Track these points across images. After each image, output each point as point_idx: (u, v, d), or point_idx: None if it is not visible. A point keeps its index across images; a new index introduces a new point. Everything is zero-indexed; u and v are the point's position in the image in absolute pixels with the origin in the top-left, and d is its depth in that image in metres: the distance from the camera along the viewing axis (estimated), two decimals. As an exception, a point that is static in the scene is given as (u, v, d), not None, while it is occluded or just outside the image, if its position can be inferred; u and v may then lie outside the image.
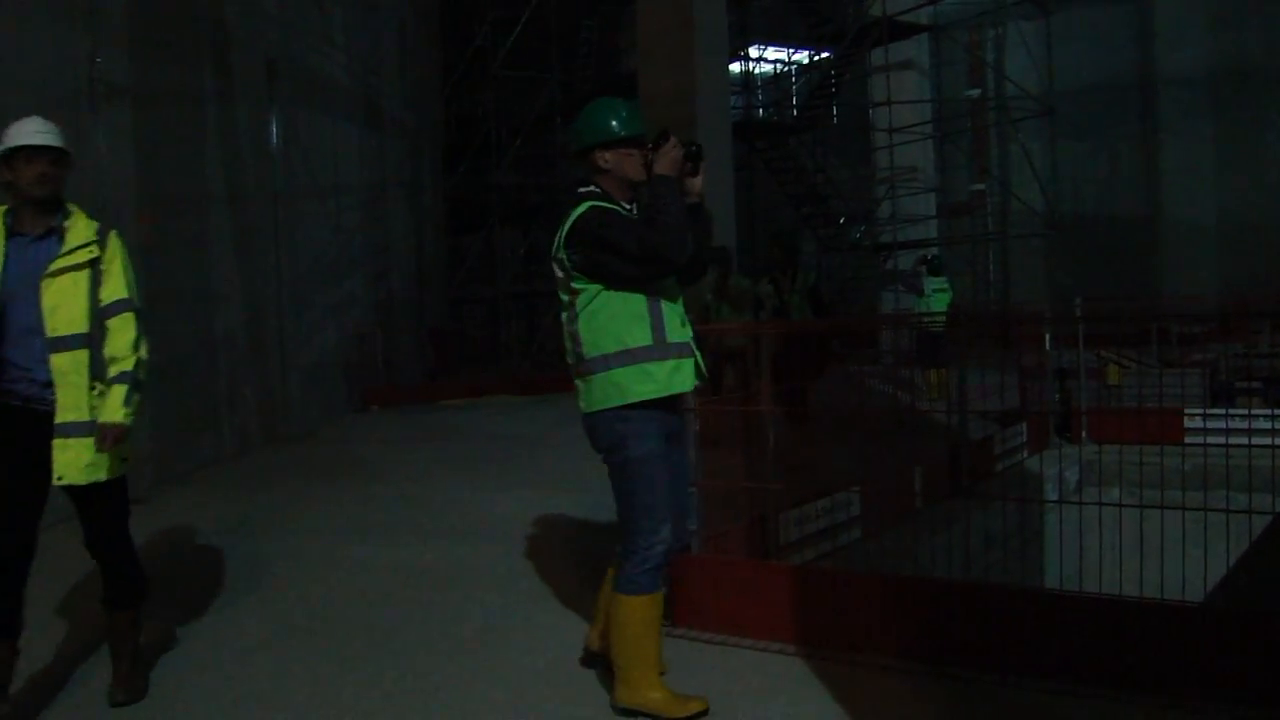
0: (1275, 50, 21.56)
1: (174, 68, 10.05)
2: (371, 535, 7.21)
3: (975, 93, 23.62)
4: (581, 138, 3.95)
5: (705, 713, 3.81)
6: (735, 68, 22.99)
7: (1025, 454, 10.10)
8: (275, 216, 12.32)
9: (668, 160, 3.79)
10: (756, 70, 26.70)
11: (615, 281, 3.76)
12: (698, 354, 3.95)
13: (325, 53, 14.65)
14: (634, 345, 3.77)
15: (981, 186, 23.59)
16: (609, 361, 3.77)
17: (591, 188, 3.91)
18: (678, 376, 3.84)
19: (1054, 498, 8.98)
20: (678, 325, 3.88)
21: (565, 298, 3.90)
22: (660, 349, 3.80)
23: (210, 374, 10.67)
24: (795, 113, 24.33)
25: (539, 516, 7.32)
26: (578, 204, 3.86)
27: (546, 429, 11.92)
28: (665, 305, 3.84)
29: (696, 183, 3.92)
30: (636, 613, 3.79)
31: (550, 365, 18.62)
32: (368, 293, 16.17)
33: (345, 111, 15.32)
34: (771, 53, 27.22)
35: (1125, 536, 5.11)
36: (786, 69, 27.31)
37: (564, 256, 3.82)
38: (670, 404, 3.89)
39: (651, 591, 3.81)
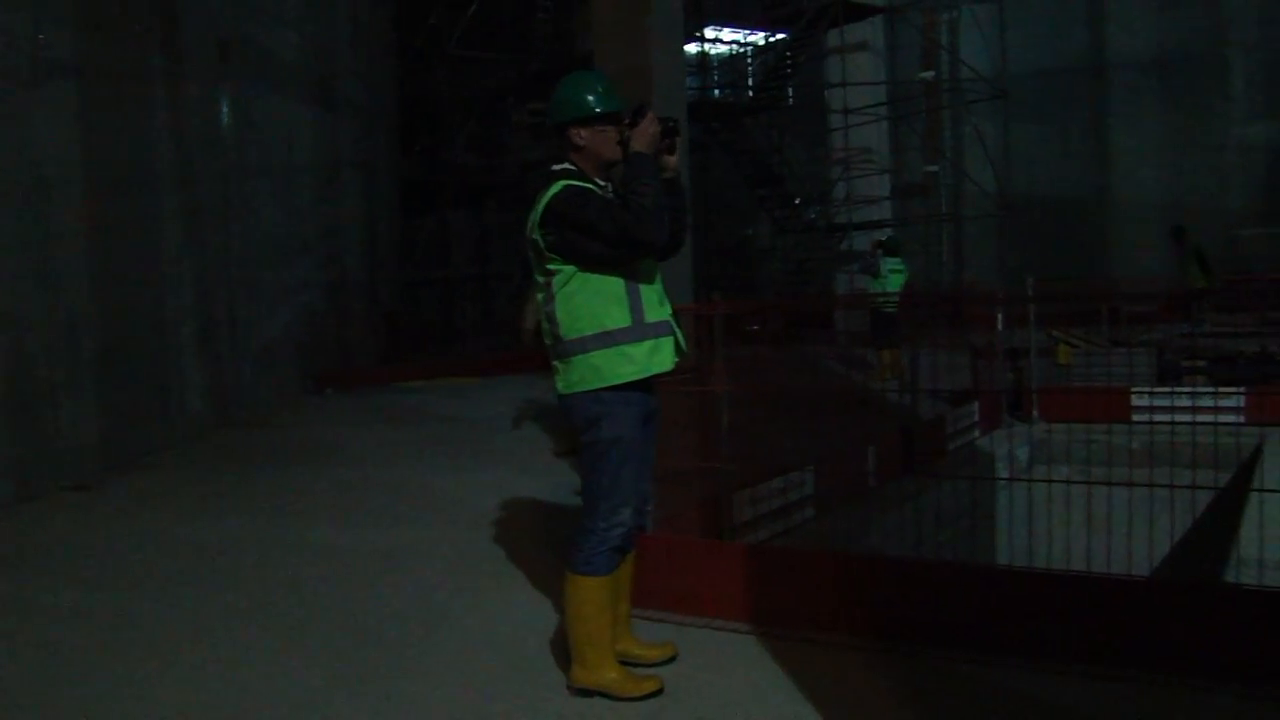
0: (1221, 34, 21.87)
1: (121, 45, 9.87)
2: (327, 518, 7.16)
3: (929, 75, 23.74)
4: (556, 113, 3.88)
5: (660, 692, 3.83)
6: (691, 48, 22.93)
7: (977, 433, 10.21)
8: (226, 197, 12.16)
9: (645, 137, 3.73)
10: (712, 51, 26.70)
11: (591, 262, 3.71)
12: (678, 331, 3.88)
13: (278, 32, 14.44)
14: (612, 327, 3.72)
15: (935, 168, 23.75)
16: (587, 344, 3.72)
17: (566, 165, 3.85)
18: (657, 357, 3.78)
19: (1005, 476, 9.08)
20: (656, 304, 3.82)
21: (540, 279, 3.84)
22: (639, 330, 3.75)
23: (159, 357, 10.53)
24: (751, 94, 24.35)
25: (498, 499, 7.30)
26: (552, 183, 3.79)
27: (502, 411, 11.88)
28: (643, 285, 3.79)
29: (672, 160, 3.88)
30: (591, 593, 3.79)
31: (505, 347, 18.54)
32: (321, 274, 16.00)
33: (298, 91, 15.11)
34: (727, 34, 27.23)
35: (1075, 513, 5.19)
36: (742, 50, 27.32)
37: (538, 237, 3.75)
38: (649, 384, 3.85)
39: (607, 573, 3.80)
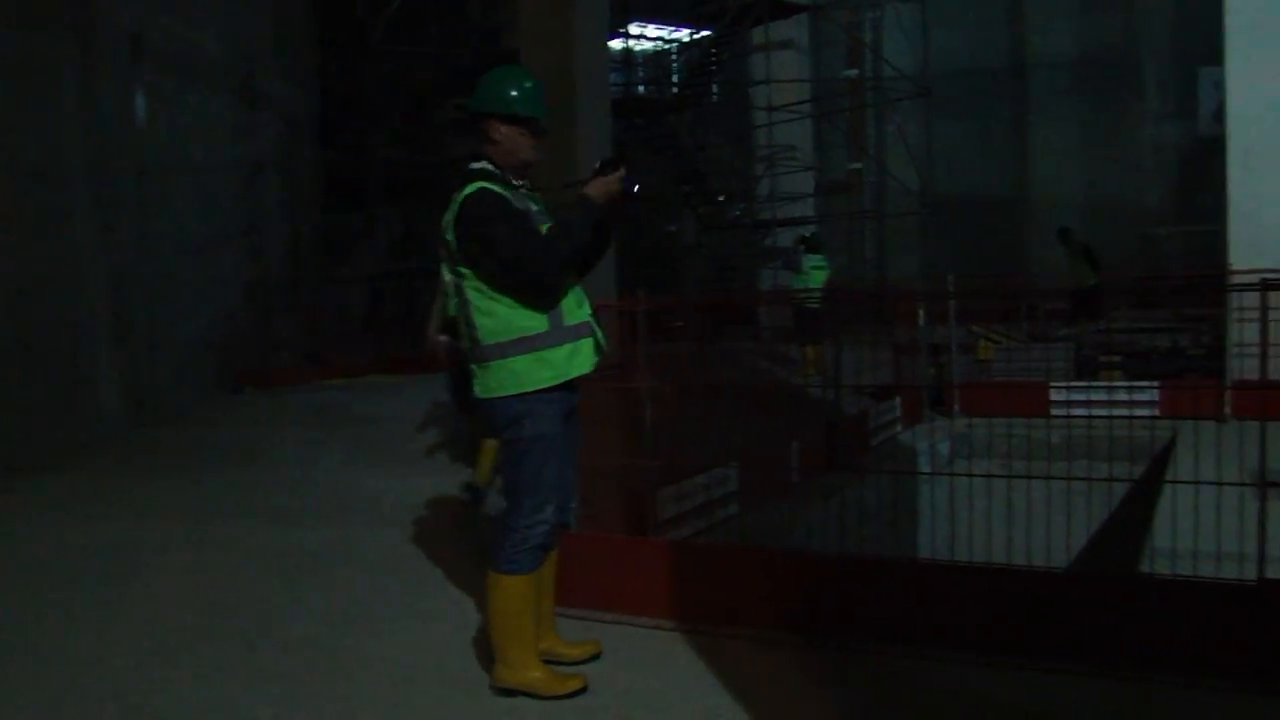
0: (1136, 35, 22.34)
1: (29, 37, 9.63)
2: (243, 518, 7.03)
3: (853, 73, 23.94)
4: (477, 101, 3.77)
5: (584, 690, 3.80)
6: (615, 44, 22.89)
7: (899, 428, 10.31)
8: (140, 193, 11.92)
9: (605, 189, 3.62)
10: (637, 47, 26.67)
11: (483, 275, 3.62)
12: (598, 331, 3.82)
13: (195, 25, 14.19)
14: (531, 332, 3.64)
15: (858, 165, 23.93)
16: (505, 350, 3.64)
17: (484, 164, 3.73)
18: (576, 360, 3.72)
19: (927, 470, 9.18)
20: (575, 305, 3.74)
21: (451, 279, 3.73)
22: (557, 334, 3.67)
23: (71, 355, 10.29)
24: (675, 90, 24.37)
25: (420, 499, 7.22)
26: (468, 182, 3.68)
27: (425, 409, 11.77)
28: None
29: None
30: (514, 592, 3.74)
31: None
32: (241, 271, 15.76)
33: (216, 85, 14.87)
34: (652, 30, 27.22)
35: (995, 506, 5.23)
36: (667, 47, 27.35)
37: (451, 238, 3.65)
38: (570, 384, 3.78)
39: (530, 571, 3.75)
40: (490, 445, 6.83)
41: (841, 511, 6.77)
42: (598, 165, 3.69)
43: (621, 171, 3.64)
